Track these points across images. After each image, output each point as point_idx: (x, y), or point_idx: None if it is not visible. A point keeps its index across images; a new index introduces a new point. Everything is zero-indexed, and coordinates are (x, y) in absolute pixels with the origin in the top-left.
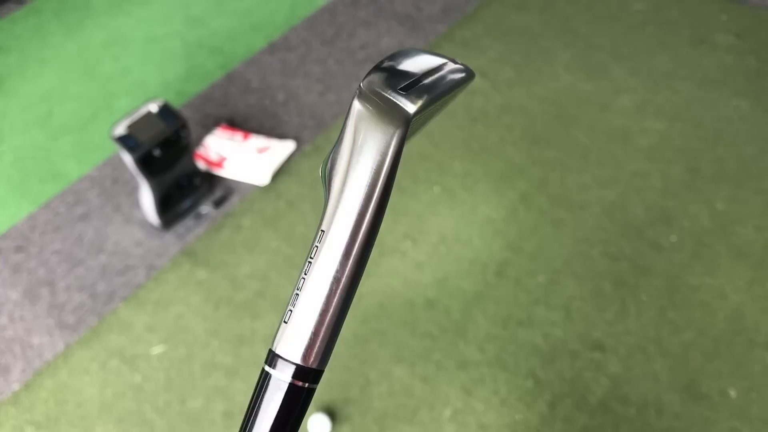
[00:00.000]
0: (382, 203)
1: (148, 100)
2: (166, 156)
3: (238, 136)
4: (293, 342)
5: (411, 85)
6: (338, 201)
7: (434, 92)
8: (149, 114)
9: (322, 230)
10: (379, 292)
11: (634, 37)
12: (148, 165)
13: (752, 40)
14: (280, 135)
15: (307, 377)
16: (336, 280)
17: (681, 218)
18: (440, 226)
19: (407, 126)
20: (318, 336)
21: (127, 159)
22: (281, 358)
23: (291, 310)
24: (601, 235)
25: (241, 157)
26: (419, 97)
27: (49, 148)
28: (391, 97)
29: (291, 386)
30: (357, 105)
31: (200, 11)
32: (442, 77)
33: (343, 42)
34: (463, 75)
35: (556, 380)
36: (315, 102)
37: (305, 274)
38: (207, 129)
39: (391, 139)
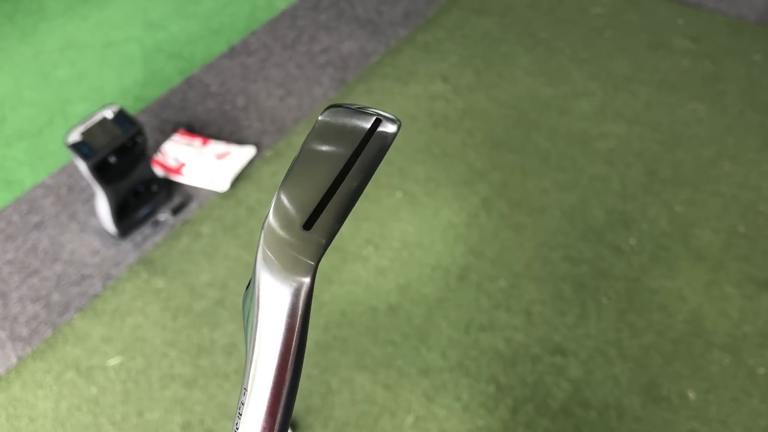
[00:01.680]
0: (298, 359)
1: (103, 106)
2: (122, 163)
3: (197, 141)
4: None
5: (316, 213)
6: (255, 362)
7: (346, 208)
8: (104, 120)
9: (245, 389)
10: (341, 299)
11: (593, 41)
12: (103, 172)
13: (708, 44)
14: (240, 140)
15: None
16: None
17: (640, 221)
18: (402, 231)
19: (314, 274)
20: None
21: (82, 166)
22: None
23: None
24: (561, 239)
25: (199, 163)
26: (324, 231)
27: (2, 155)
28: (291, 246)
29: None
30: (260, 255)
31: (159, 15)
32: (360, 172)
33: (304, 46)
34: (385, 141)
35: (517, 385)
36: (275, 107)
37: (237, 428)
38: (165, 135)
39: (298, 295)
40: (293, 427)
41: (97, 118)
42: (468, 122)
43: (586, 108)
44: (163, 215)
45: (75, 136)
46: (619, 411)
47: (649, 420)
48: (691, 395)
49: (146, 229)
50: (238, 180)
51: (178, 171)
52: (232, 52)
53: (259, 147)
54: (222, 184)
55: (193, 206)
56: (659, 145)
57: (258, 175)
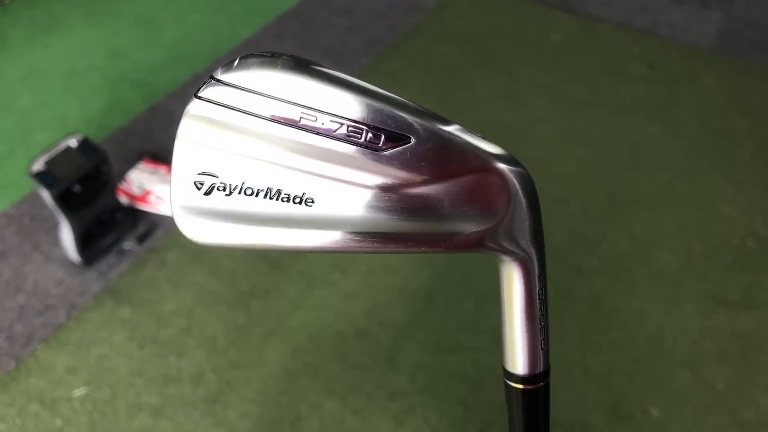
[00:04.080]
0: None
1: (67, 135)
2: (87, 191)
3: (162, 169)
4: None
5: None
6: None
7: None
8: (68, 149)
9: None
10: (309, 324)
11: (552, 68)
12: (67, 201)
13: (662, 69)
14: None
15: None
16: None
17: (601, 242)
18: (369, 255)
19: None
20: None
21: (46, 196)
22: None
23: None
24: None
25: (164, 191)
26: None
27: None
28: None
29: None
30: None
31: (122, 44)
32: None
33: None
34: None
35: (485, 406)
36: None
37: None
38: (130, 163)
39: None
40: None
41: (62, 146)
42: None
43: (546, 133)
44: (128, 244)
45: (39, 166)
46: (584, 429)
47: None
48: (654, 412)
49: (111, 258)
50: None
51: (143, 199)
52: (196, 80)
53: None
54: None
55: (158, 234)
56: (618, 168)
57: None
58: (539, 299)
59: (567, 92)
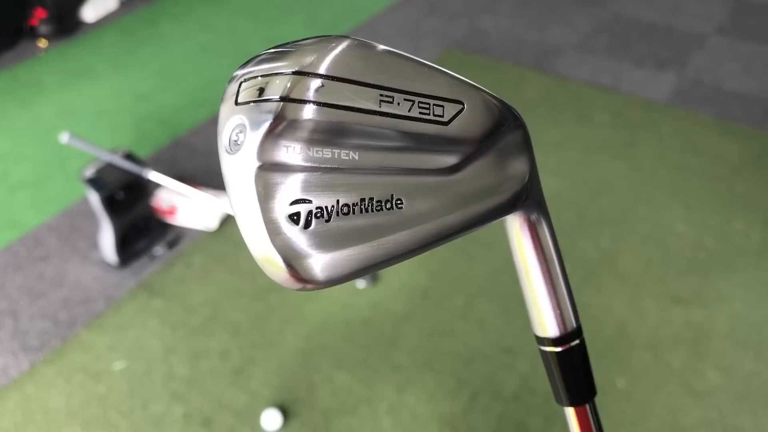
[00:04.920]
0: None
1: (114, 149)
2: (128, 199)
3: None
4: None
5: None
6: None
7: None
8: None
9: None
10: (321, 313)
11: (528, 117)
12: (111, 205)
13: (624, 118)
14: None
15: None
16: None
17: (571, 252)
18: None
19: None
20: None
21: (94, 198)
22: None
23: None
24: (508, 266)
25: (190, 206)
26: None
27: (8, 201)
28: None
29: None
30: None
31: (147, 89)
32: None
33: None
34: None
35: (475, 378)
36: None
37: None
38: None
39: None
40: (283, 414)
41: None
42: None
43: None
44: (159, 249)
45: (90, 172)
46: None
47: None
48: (620, 383)
49: (143, 260)
50: (226, 220)
51: (171, 213)
52: (215, 120)
53: None
54: (211, 223)
55: (185, 242)
56: (586, 195)
57: None
58: (556, 253)
59: (542, 136)
